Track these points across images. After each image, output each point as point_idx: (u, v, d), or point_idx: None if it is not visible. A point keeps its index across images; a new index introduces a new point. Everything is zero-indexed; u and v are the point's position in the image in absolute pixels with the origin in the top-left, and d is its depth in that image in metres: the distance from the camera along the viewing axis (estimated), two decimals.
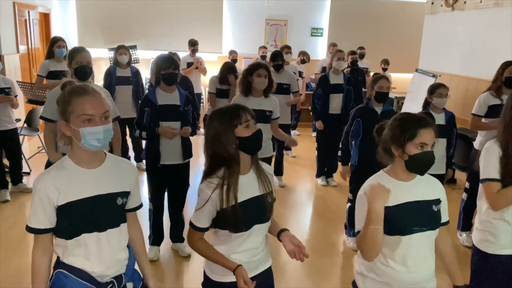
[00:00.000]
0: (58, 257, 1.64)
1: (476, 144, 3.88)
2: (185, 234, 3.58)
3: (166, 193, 3.50)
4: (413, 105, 5.68)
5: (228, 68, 5.13)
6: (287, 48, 6.45)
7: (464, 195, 3.91)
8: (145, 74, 7.00)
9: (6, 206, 4.36)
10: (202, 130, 7.59)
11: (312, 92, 7.17)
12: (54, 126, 1.64)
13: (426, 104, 3.61)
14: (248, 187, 1.73)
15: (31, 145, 6.22)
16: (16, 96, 4.53)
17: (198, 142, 6.85)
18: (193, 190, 4.61)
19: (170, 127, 3.17)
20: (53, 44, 4.96)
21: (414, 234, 1.70)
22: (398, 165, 1.75)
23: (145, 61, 7.57)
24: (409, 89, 6.43)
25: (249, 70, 3.56)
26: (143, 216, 3.48)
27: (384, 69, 7.49)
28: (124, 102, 5.08)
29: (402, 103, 6.64)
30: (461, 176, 5.36)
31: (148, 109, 3.19)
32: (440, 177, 3.34)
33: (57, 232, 1.59)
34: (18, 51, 6.13)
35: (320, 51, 8.84)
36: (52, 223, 1.56)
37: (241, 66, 7.61)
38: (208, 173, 1.72)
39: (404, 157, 1.70)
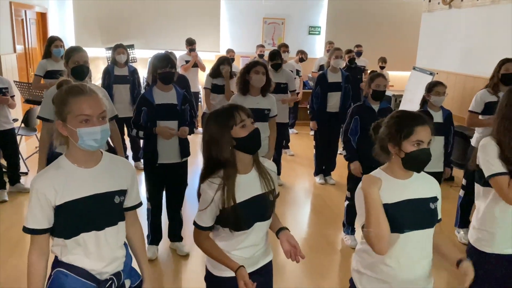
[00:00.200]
0: (56, 257, 1.64)
1: (473, 141, 3.88)
2: (183, 233, 3.60)
3: (164, 192, 3.49)
4: (410, 103, 5.69)
5: (220, 60, 5.11)
6: (285, 47, 6.45)
7: (461, 192, 3.92)
8: (143, 73, 6.99)
9: (4, 207, 4.35)
10: (200, 129, 7.59)
11: (309, 91, 7.18)
12: (51, 126, 1.63)
13: (424, 102, 3.61)
14: (249, 186, 1.74)
15: (28, 145, 6.21)
16: (13, 96, 4.52)
17: (196, 140, 6.84)
18: (191, 189, 4.62)
19: (168, 127, 3.16)
20: (50, 44, 4.94)
21: (411, 231, 1.70)
22: (395, 163, 1.75)
23: (142, 60, 7.55)
24: (406, 87, 6.44)
25: (247, 68, 3.57)
26: (142, 215, 3.45)
27: (382, 67, 7.50)
28: (122, 101, 5.09)
29: (400, 101, 6.65)
30: (458, 173, 5.37)
31: (145, 108, 3.18)
32: (437, 175, 3.37)
33: (55, 231, 1.59)
34: (15, 51, 6.12)
35: (317, 49, 8.84)
36: (50, 223, 1.56)
37: (238, 65, 7.60)
38: (205, 175, 1.73)
39: (401, 155, 1.70)
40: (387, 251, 1.67)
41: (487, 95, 3.74)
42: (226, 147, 1.68)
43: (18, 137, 4.85)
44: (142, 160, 3.52)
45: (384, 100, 3.64)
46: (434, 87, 3.52)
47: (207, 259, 1.85)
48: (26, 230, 1.56)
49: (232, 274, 1.71)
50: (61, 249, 1.61)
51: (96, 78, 6.95)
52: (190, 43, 7.00)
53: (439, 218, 1.82)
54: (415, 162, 1.70)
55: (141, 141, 3.52)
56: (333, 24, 8.74)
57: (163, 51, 3.77)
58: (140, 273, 1.82)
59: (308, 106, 5.44)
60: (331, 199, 4.92)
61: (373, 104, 3.57)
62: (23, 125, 5.36)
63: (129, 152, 5.64)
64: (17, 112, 5.44)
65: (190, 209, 4.05)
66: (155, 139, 3.22)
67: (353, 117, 3.59)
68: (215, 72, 5.11)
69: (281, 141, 5.16)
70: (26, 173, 5.15)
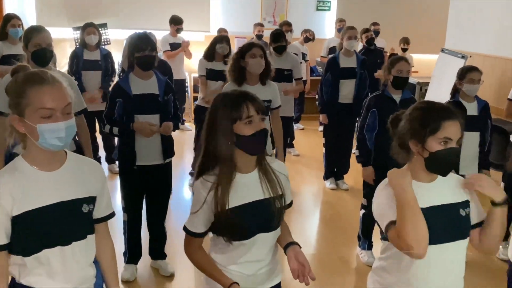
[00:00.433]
0: (13, 278, 1.63)
1: None
2: (167, 249, 3.59)
3: (144, 201, 3.48)
4: (438, 93, 5.69)
5: (217, 39, 5.02)
6: (287, 25, 6.45)
7: None
8: (117, 58, 6.97)
9: None
10: (187, 125, 7.59)
11: (318, 78, 7.18)
12: (5, 121, 1.63)
13: (455, 91, 3.61)
14: (249, 188, 1.76)
15: None
16: None
17: (182, 138, 6.86)
18: (176, 196, 4.62)
19: (148, 123, 3.16)
20: (6, 23, 4.93)
21: (440, 245, 1.70)
22: (417, 164, 1.76)
23: (117, 42, 7.51)
24: (433, 73, 6.44)
25: (241, 52, 3.55)
26: (117, 229, 3.47)
27: (404, 50, 7.50)
28: (92, 91, 5.08)
29: (426, 90, 6.66)
30: (497, 176, 5.37)
31: (120, 99, 3.17)
32: None
33: (12, 248, 1.57)
34: None
35: (327, 28, 8.82)
36: (8, 237, 1.55)
37: (233, 47, 7.58)
38: (202, 169, 1.76)
39: (424, 154, 1.71)
40: (425, 253, 1.64)
41: None
42: (224, 141, 1.70)
43: None
44: (117, 162, 3.52)
45: (407, 89, 3.64)
46: (467, 73, 3.52)
47: (204, 279, 1.86)
48: None
49: None
50: (20, 269, 1.60)
51: (62, 64, 6.93)
52: (177, 22, 6.96)
53: (483, 219, 1.80)
54: (441, 164, 1.71)
55: (116, 139, 3.52)
56: None
57: (141, 31, 3.76)
58: None
59: (316, 97, 5.44)
60: (344, 207, 4.92)
61: (394, 93, 3.56)
62: None
63: (102, 153, 5.63)
64: None
65: (176, 221, 4.04)
66: (133, 137, 3.21)
67: (370, 110, 3.59)
68: (211, 54, 5.04)
69: (285, 139, 5.16)
70: None
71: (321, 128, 6.78)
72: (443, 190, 1.76)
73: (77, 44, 5.82)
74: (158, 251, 3.59)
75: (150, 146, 3.24)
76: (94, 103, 4.89)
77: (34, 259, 1.57)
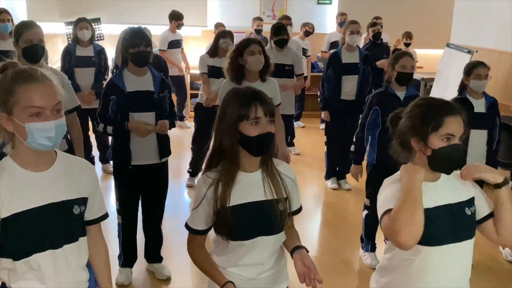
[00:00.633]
0: (3, 283, 1.63)
1: None
2: (164, 252, 3.59)
3: (140, 202, 3.48)
4: (444, 89, 5.68)
5: (221, 33, 4.93)
6: (286, 19, 6.43)
7: None
8: (111, 54, 6.96)
9: None
10: (186, 122, 7.57)
11: (319, 74, 7.18)
12: None
13: (462, 87, 3.61)
14: (250, 188, 1.78)
15: None
16: None
17: (179, 136, 6.84)
18: (173, 197, 4.61)
19: (144, 122, 3.16)
20: None
21: (443, 245, 1.71)
22: (419, 163, 1.75)
23: (111, 38, 7.50)
24: (439, 69, 6.43)
25: (238, 49, 3.53)
26: (111, 231, 3.47)
27: (407, 44, 7.48)
28: (85, 88, 5.08)
29: (431, 86, 6.65)
30: (505, 175, 5.38)
31: (114, 97, 3.16)
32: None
33: (1, 251, 1.57)
34: None
35: (328, 23, 8.81)
36: None
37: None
38: (209, 164, 1.81)
39: (427, 152, 1.71)
40: (412, 245, 1.63)
41: None
42: (228, 137, 1.74)
43: None
44: (111, 162, 3.51)
45: (411, 85, 3.64)
46: (474, 69, 3.51)
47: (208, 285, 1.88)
48: None
49: None
50: (9, 274, 1.60)
51: (54, 60, 6.92)
52: (178, 18, 6.94)
53: (489, 213, 1.79)
54: (445, 161, 1.71)
55: (110, 138, 3.51)
56: None
57: (135, 26, 3.75)
58: None
59: (318, 93, 5.43)
60: (346, 208, 4.92)
61: (398, 90, 3.56)
62: None
63: (96, 152, 5.63)
64: None
65: (173, 222, 4.03)
66: (128, 136, 3.21)
67: (371, 108, 3.59)
68: (214, 50, 4.93)
69: (286, 137, 5.15)
70: None
71: (322, 126, 6.79)
72: (447, 189, 1.77)
73: (69, 39, 5.81)
74: (154, 254, 3.58)
75: (145, 145, 3.24)
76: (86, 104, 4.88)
77: (25, 263, 1.57)
